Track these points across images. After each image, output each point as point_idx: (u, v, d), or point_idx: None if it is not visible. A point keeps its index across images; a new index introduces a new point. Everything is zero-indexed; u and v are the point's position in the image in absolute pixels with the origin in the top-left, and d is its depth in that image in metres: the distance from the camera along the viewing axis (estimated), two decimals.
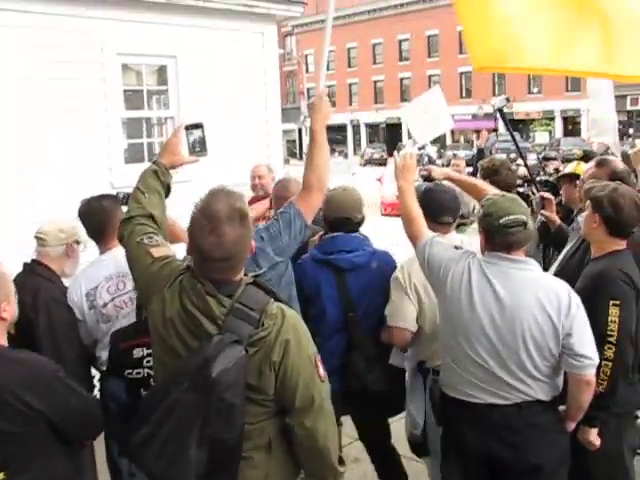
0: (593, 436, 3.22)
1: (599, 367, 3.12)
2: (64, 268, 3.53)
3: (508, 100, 6.02)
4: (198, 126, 2.89)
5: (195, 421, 2.19)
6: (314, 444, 2.39)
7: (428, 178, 4.04)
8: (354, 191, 3.88)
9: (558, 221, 4.74)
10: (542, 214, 4.80)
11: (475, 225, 3.39)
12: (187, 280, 2.37)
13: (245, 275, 2.41)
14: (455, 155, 16.73)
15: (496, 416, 2.94)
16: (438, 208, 3.61)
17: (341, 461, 2.52)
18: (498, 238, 2.91)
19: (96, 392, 3.44)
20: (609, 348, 3.19)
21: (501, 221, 2.88)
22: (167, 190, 2.84)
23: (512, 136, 6.42)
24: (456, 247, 3.17)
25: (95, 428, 2.76)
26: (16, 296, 2.66)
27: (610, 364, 3.18)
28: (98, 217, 3.53)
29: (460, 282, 2.97)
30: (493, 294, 2.90)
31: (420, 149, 6.36)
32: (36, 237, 3.49)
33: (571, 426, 3.09)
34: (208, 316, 2.30)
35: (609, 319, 3.20)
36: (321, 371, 2.41)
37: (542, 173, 9.10)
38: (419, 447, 3.72)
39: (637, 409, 3.66)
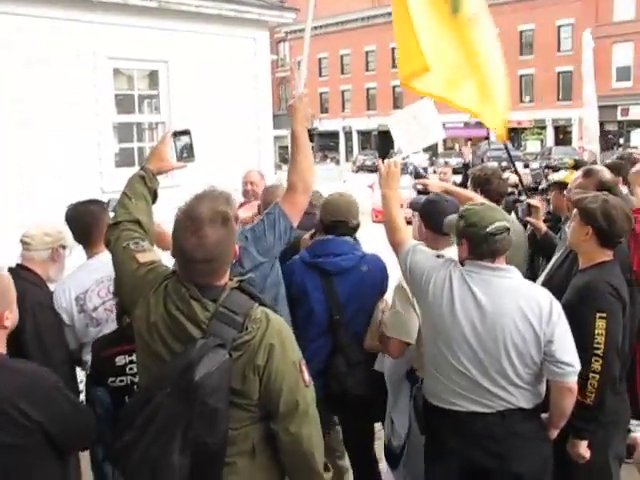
0: (583, 449, 3.23)
1: (586, 379, 3.14)
2: (49, 272, 3.51)
3: None
4: (186, 132, 2.91)
5: (178, 425, 2.19)
6: (299, 449, 2.38)
7: (424, 192, 4.03)
8: (351, 197, 3.91)
9: (544, 228, 4.74)
10: (528, 221, 4.80)
11: None
12: (172, 285, 2.37)
13: (230, 280, 2.41)
14: (447, 163, 16.72)
15: (479, 424, 2.94)
16: (443, 219, 3.57)
17: (326, 467, 2.51)
18: (485, 247, 2.92)
19: (82, 397, 3.43)
20: (596, 360, 3.19)
21: (488, 230, 2.89)
22: (154, 196, 2.84)
23: (505, 146, 6.43)
24: (438, 255, 3.17)
25: (88, 437, 2.74)
26: None
27: (597, 376, 3.18)
28: (84, 221, 3.54)
29: (442, 290, 2.98)
30: (474, 301, 2.91)
31: (404, 158, 6.41)
32: (21, 241, 3.46)
33: (554, 433, 3.09)
34: (192, 320, 2.30)
35: (596, 331, 3.21)
36: (306, 376, 2.41)
37: (545, 181, 9.12)
38: (394, 458, 3.72)
39: (626, 420, 3.66)
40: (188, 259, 2.29)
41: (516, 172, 6.37)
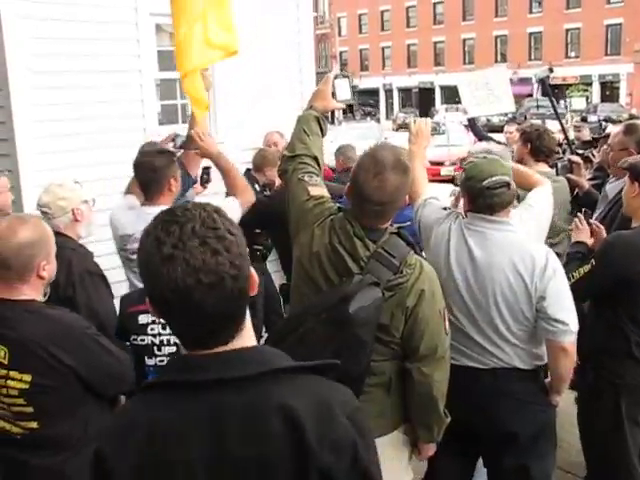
0: None
1: None
2: (78, 232, 3.45)
3: (551, 70, 5.89)
4: (345, 75, 3.15)
5: (325, 351, 2.32)
6: (428, 391, 2.54)
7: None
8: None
9: (587, 185, 4.68)
10: (569, 178, 4.71)
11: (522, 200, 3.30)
12: (338, 220, 2.55)
13: (391, 225, 2.57)
14: (508, 121, 15.66)
15: (472, 380, 2.90)
16: None
17: (445, 414, 2.65)
18: (482, 200, 2.88)
19: None
20: None
21: (484, 183, 2.85)
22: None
23: (554, 107, 6.28)
24: (445, 208, 3.16)
25: (124, 384, 2.80)
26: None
27: None
28: (146, 175, 3.50)
29: (441, 242, 2.98)
30: (468, 254, 2.89)
31: (470, 120, 6.36)
32: (41, 211, 3.39)
33: (555, 399, 3.01)
34: (352, 256, 2.48)
35: None
36: (447, 324, 2.58)
37: (603, 134, 8.94)
38: None
39: None
40: (365, 199, 2.47)
41: (563, 130, 6.24)
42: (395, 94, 61.66)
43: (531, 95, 42.35)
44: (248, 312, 1.45)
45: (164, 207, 3.33)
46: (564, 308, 2.81)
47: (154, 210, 3.39)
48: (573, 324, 2.80)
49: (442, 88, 54.58)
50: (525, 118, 28.63)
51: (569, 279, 3.08)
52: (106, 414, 2.73)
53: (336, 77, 3.08)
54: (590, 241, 3.50)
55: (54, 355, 2.46)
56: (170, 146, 3.74)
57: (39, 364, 2.46)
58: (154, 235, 1.37)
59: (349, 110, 56.47)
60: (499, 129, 13.38)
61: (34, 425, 2.53)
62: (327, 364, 1.52)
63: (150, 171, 3.48)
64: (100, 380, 2.62)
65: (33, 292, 2.58)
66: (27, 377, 2.46)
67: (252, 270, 1.42)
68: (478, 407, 2.91)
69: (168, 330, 2.92)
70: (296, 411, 1.34)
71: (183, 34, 3.77)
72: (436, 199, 3.24)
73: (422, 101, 55.58)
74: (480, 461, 3.34)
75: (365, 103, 59.34)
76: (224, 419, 1.35)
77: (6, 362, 2.47)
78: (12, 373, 2.47)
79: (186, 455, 1.35)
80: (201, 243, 1.32)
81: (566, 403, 3.62)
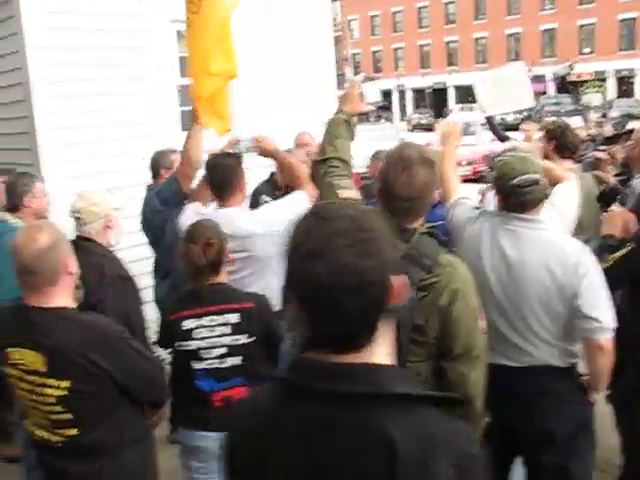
0: None
1: None
2: (108, 240, 3.50)
3: (572, 67, 5.87)
4: (372, 79, 3.10)
5: None
6: (463, 390, 2.48)
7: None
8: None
9: (612, 181, 4.66)
10: (594, 175, 4.70)
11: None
12: None
13: (422, 225, 2.55)
14: (524, 119, 15.21)
15: (507, 378, 2.88)
16: None
17: (483, 413, 2.61)
18: (513, 198, 2.88)
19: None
20: None
21: (514, 181, 2.85)
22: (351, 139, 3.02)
23: (576, 104, 6.24)
24: (477, 208, 3.17)
25: (159, 390, 2.81)
26: None
27: None
28: (223, 173, 3.54)
29: (473, 241, 2.98)
30: (500, 252, 2.88)
31: (488, 118, 6.37)
32: (74, 217, 3.44)
33: (593, 397, 2.99)
34: None
35: None
36: (483, 323, 2.52)
37: (623, 130, 8.90)
38: None
39: None
40: (394, 196, 2.46)
41: (585, 125, 6.20)
42: (408, 95, 61.54)
43: (545, 93, 42.15)
44: (390, 325, 1.41)
45: (236, 207, 3.44)
46: (599, 305, 2.78)
47: (227, 212, 3.47)
48: (609, 321, 2.78)
49: (456, 88, 54.42)
50: (540, 116, 28.47)
51: (604, 262, 3.06)
52: (140, 418, 2.75)
53: (364, 81, 3.06)
54: (619, 233, 3.47)
55: (93, 361, 2.47)
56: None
57: (78, 370, 2.47)
58: (305, 228, 1.35)
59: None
60: (514, 127, 13.33)
61: (74, 432, 2.54)
62: (451, 398, 1.47)
63: (223, 171, 3.54)
64: (136, 384, 2.63)
65: (64, 295, 2.58)
66: (65, 383, 2.47)
67: (398, 279, 1.37)
68: (515, 405, 2.89)
69: (216, 332, 2.95)
70: (396, 444, 1.26)
71: (199, 63, 3.92)
72: (468, 199, 3.25)
73: (436, 101, 55.44)
74: (518, 460, 3.33)
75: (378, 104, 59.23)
76: (329, 432, 1.32)
77: (45, 369, 2.48)
78: (49, 381, 2.48)
79: (279, 458, 1.36)
80: (347, 244, 1.30)
81: (600, 401, 3.59)
